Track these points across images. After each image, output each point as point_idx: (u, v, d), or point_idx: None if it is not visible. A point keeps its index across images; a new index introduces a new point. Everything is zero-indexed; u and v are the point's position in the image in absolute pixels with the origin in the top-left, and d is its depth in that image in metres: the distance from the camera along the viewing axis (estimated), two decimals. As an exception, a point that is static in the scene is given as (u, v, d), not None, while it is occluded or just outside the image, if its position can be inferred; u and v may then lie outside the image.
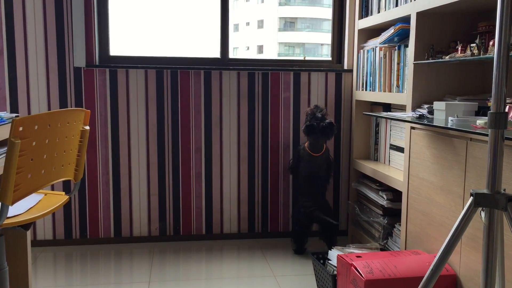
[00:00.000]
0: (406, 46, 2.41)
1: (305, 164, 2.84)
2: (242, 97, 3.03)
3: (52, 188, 2.94)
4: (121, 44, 3.01)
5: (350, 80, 3.12)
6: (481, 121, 1.66)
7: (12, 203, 1.40)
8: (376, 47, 2.74)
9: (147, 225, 3.04)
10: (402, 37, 2.54)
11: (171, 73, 2.95)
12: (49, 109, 2.88)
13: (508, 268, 1.63)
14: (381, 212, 2.61)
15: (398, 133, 2.64)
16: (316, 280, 2.39)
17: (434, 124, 1.80)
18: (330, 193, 3.17)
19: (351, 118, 3.13)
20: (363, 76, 2.94)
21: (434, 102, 2.04)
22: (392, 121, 2.71)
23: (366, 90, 2.90)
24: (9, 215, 1.55)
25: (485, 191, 1.25)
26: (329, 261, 2.33)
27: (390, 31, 2.53)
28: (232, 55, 3.09)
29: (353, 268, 1.96)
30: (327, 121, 2.81)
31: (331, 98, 3.11)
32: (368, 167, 2.79)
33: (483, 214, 1.26)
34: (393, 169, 2.66)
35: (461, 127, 1.67)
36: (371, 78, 2.81)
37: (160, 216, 3.05)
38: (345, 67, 3.13)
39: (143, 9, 3.29)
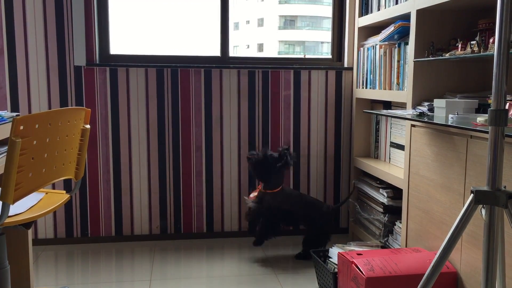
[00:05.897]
0: (406, 43, 2.41)
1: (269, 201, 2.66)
2: (243, 95, 3.03)
3: (53, 187, 2.94)
4: (121, 42, 3.01)
5: (350, 78, 3.12)
6: (481, 119, 1.66)
7: (13, 202, 1.40)
8: (376, 44, 2.74)
9: (148, 224, 3.04)
10: (402, 35, 2.54)
11: (171, 72, 2.95)
12: (49, 108, 2.88)
13: (509, 265, 1.63)
14: (381, 210, 2.62)
15: (398, 130, 2.64)
16: (317, 277, 2.40)
17: (434, 121, 1.80)
18: (331, 191, 3.18)
19: (352, 116, 3.13)
20: (363, 74, 2.94)
21: (435, 100, 2.04)
22: (392, 118, 2.71)
23: (366, 88, 2.90)
24: (10, 214, 1.56)
25: (485, 188, 1.25)
26: (330, 259, 2.33)
27: (390, 28, 2.53)
28: (232, 53, 3.09)
29: (354, 266, 1.96)
30: (284, 149, 2.65)
31: (331, 96, 3.11)
32: (369, 164, 2.79)
33: (483, 211, 1.26)
34: (394, 167, 2.67)
35: (462, 124, 1.67)
36: (371, 76, 2.81)
37: (161, 215, 3.05)
38: (345, 65, 3.13)
39: (143, 8, 3.29)
